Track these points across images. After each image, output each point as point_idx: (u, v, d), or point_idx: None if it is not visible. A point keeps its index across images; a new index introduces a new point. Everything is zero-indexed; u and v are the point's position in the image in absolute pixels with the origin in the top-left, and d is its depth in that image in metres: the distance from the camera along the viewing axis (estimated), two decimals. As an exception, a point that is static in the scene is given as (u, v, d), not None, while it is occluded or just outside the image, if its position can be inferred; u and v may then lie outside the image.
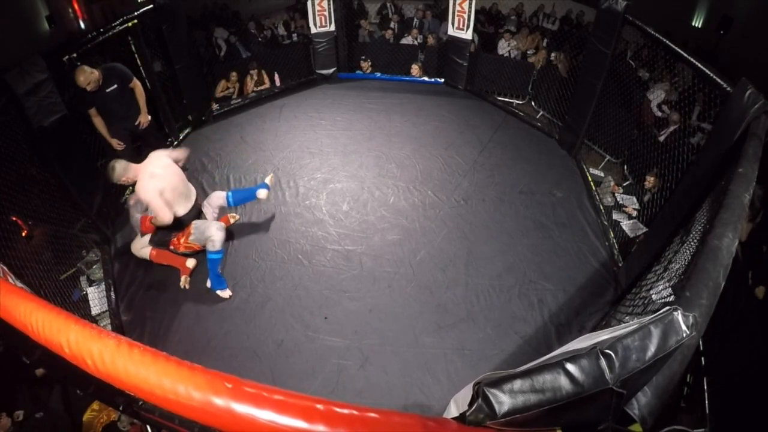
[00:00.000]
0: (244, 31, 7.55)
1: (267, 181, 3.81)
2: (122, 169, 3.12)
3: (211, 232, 3.27)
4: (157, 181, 3.12)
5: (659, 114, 5.41)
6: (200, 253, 3.53)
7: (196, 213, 3.48)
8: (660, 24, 4.01)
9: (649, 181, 4.15)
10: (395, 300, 3.36)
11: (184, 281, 3.47)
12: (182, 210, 3.35)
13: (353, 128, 5.38)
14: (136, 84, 4.05)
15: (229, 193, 3.70)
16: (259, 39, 7.39)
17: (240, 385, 1.03)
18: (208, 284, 3.43)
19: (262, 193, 3.68)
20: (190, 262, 3.49)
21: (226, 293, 3.40)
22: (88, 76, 3.61)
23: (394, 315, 3.26)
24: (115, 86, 3.85)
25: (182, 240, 3.43)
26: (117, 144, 4.04)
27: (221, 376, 1.05)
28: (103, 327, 2.60)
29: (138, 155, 4.20)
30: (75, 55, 3.68)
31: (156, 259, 3.52)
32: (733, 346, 2.89)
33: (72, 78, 3.59)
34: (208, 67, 6.19)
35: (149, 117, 4.21)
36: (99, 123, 3.89)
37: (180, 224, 3.39)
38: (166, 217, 3.13)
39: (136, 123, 4.14)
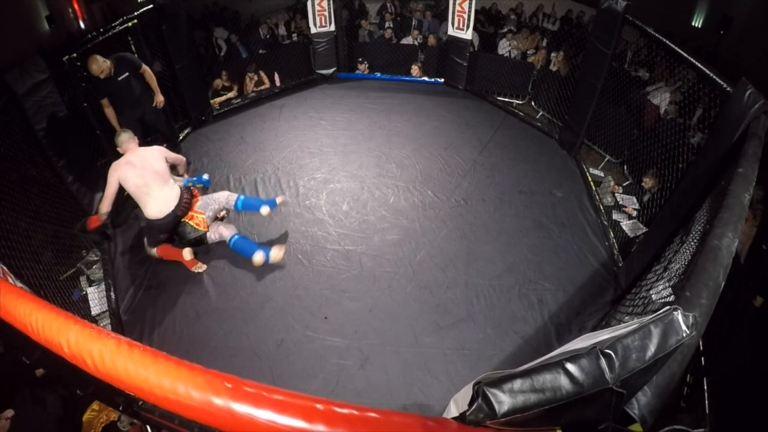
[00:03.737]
0: (247, 32, 7.55)
1: (278, 200, 3.80)
2: (122, 140, 3.25)
3: (220, 231, 3.53)
4: (127, 170, 3.15)
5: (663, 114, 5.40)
6: (195, 244, 3.59)
7: (172, 222, 3.39)
8: (660, 24, 4.01)
9: (646, 182, 4.15)
10: (395, 300, 3.36)
11: (197, 268, 3.56)
12: (149, 211, 3.27)
13: (353, 128, 5.38)
14: (146, 69, 4.17)
15: (240, 199, 3.69)
16: (266, 42, 7.37)
17: (240, 384, 1.03)
18: (260, 259, 3.42)
19: (264, 210, 3.67)
20: (187, 255, 3.49)
21: (278, 252, 3.46)
22: (100, 65, 3.72)
23: (394, 315, 3.26)
24: (127, 74, 3.98)
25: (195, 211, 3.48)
26: None
27: (221, 376, 1.05)
28: (103, 327, 2.59)
29: (144, 139, 4.37)
30: (75, 55, 3.68)
31: (161, 254, 3.56)
32: (733, 346, 2.89)
33: (84, 67, 3.70)
34: (208, 67, 6.20)
35: (162, 98, 4.36)
36: (110, 114, 4.02)
37: (155, 229, 3.42)
38: (103, 207, 3.19)
39: (153, 104, 4.30)
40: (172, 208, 3.31)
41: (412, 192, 4.38)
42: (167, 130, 4.75)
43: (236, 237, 3.53)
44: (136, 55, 4.27)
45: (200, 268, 3.58)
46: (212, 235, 3.56)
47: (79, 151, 3.66)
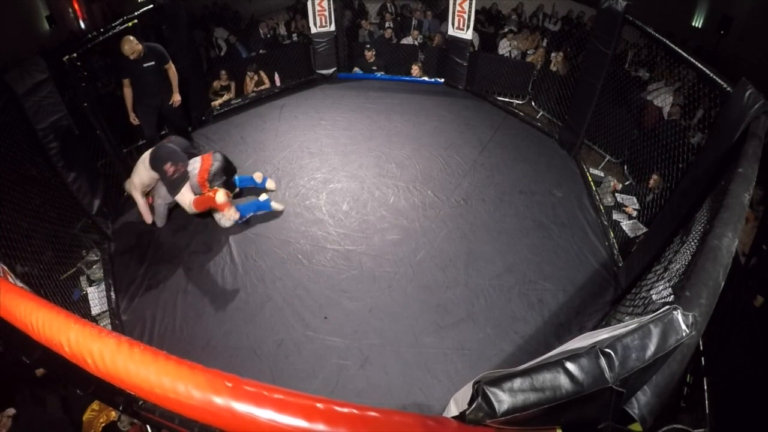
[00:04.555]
0: (247, 32, 7.54)
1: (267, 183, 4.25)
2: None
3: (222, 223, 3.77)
4: None
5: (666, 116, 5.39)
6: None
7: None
8: (660, 24, 4.01)
9: (655, 179, 4.14)
10: (395, 300, 3.36)
11: (230, 213, 3.58)
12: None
13: (353, 128, 5.38)
14: (171, 66, 4.38)
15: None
16: (267, 42, 7.36)
17: (240, 384, 1.03)
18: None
19: (258, 176, 4.22)
20: (220, 197, 3.52)
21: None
22: (133, 46, 3.96)
23: (394, 315, 3.26)
24: (153, 63, 4.20)
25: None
26: (134, 119, 4.37)
27: (221, 375, 1.05)
28: (103, 327, 2.59)
29: (159, 131, 4.72)
30: (75, 55, 3.68)
31: (197, 207, 3.62)
32: (733, 346, 2.89)
33: (117, 47, 3.97)
34: (208, 67, 6.19)
35: (180, 97, 4.55)
36: (128, 94, 4.24)
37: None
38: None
39: (170, 102, 4.51)
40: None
41: (412, 192, 4.38)
42: (182, 124, 4.93)
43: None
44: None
45: (234, 215, 3.62)
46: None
47: (79, 151, 3.66)
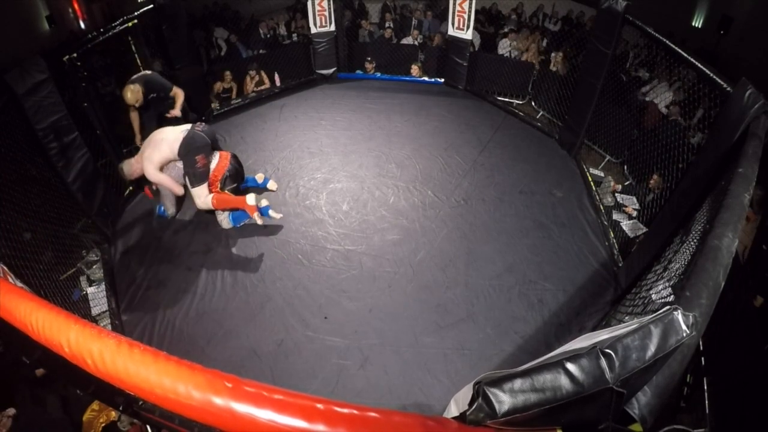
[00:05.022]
0: (247, 31, 7.54)
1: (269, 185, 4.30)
2: None
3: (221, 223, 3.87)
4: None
5: (665, 112, 5.38)
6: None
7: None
8: (660, 24, 4.02)
9: (655, 179, 4.14)
10: (395, 300, 3.36)
11: (258, 217, 3.69)
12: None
13: (353, 128, 5.38)
14: (176, 92, 4.35)
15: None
16: (267, 41, 7.36)
17: (240, 384, 1.03)
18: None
19: (260, 177, 4.31)
20: (251, 199, 3.60)
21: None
22: (136, 94, 3.99)
23: (394, 315, 3.25)
24: (154, 95, 4.19)
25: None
26: (138, 142, 4.34)
27: (221, 376, 1.05)
28: (103, 327, 2.59)
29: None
30: (75, 55, 3.68)
31: (218, 206, 3.67)
32: (733, 346, 2.89)
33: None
34: (208, 67, 6.19)
35: (179, 114, 4.51)
36: (134, 117, 4.24)
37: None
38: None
39: (167, 115, 4.49)
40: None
41: (412, 192, 4.38)
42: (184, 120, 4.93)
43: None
44: (136, 55, 4.41)
45: (261, 218, 3.72)
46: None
47: (79, 151, 3.66)
